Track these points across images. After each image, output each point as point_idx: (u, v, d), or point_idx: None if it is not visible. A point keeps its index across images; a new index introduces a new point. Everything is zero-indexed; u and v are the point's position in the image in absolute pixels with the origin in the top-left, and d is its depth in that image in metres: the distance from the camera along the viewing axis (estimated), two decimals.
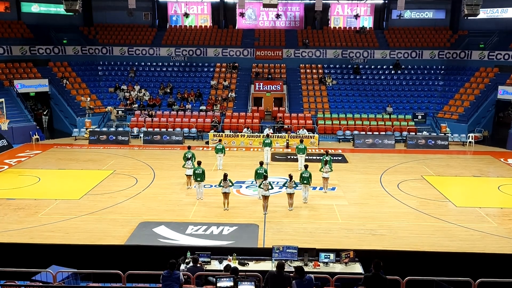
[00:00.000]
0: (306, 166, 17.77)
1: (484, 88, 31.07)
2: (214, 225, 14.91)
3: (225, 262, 10.72)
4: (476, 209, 16.79)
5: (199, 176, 17.26)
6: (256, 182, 18.01)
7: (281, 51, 35.49)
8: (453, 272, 10.57)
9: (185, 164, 18.78)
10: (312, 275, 8.92)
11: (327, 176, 18.47)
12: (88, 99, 31.21)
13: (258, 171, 17.69)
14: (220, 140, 23.86)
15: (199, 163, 17.82)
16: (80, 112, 30.53)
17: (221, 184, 16.31)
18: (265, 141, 23.24)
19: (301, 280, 8.58)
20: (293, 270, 10.33)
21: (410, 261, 11.80)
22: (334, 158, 24.43)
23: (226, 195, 16.39)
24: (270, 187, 16.09)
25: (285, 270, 9.06)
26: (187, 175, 18.71)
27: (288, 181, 16.38)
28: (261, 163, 18.27)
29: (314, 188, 18.73)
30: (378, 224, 15.32)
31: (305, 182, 17.00)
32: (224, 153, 21.74)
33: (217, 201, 17.13)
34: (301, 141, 22.67)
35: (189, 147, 20.70)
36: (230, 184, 16.41)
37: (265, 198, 16.12)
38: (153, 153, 25.35)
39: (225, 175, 16.35)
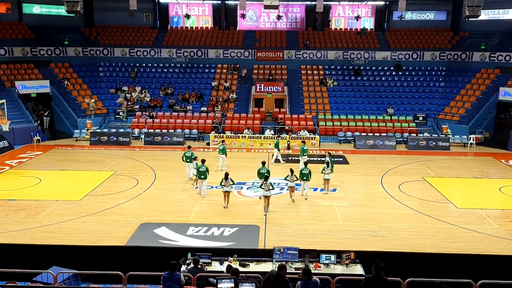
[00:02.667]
0: (305, 163, 18.28)
1: (485, 89, 31.05)
2: (215, 226, 14.91)
3: (225, 263, 10.71)
4: (477, 211, 16.77)
5: (203, 174, 17.70)
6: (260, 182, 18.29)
7: (282, 52, 35.51)
8: (454, 274, 10.54)
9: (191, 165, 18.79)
10: (317, 279, 8.89)
11: (329, 177, 18.47)
12: (93, 100, 31.23)
13: (260, 171, 17.87)
14: (223, 141, 23.90)
15: (203, 161, 18.11)
16: (81, 113, 30.55)
17: (222, 183, 16.61)
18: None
19: (307, 282, 8.55)
20: (294, 271, 10.38)
21: (411, 262, 11.78)
22: (335, 159, 24.40)
23: (227, 193, 16.69)
24: (271, 187, 16.28)
25: (287, 271, 9.03)
26: (194, 175, 18.80)
27: (290, 175, 16.96)
28: (263, 163, 18.33)
29: (315, 189, 18.76)
30: (379, 225, 15.30)
31: (304, 178, 17.56)
32: (226, 154, 21.77)
33: (218, 202, 17.17)
34: (304, 142, 22.73)
35: (189, 147, 20.85)
36: (232, 183, 16.74)
37: (266, 198, 16.28)
38: (154, 154, 25.36)
39: (226, 174, 16.73)
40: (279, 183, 19.29)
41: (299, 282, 8.60)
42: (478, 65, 33.18)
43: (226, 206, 16.72)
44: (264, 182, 16.31)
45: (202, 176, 17.69)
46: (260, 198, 17.26)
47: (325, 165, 18.59)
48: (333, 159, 19.89)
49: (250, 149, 26.95)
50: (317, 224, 15.37)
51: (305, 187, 17.79)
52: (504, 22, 34.25)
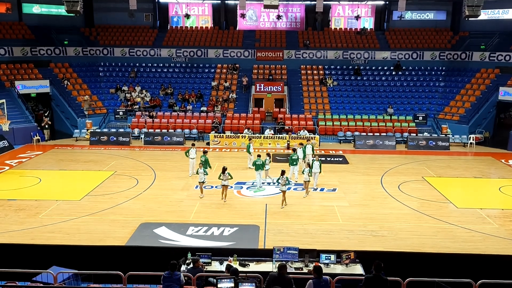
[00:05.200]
0: (294, 149, 20.48)
1: (485, 89, 31.05)
2: (215, 226, 14.91)
3: (225, 263, 10.72)
4: (477, 211, 16.77)
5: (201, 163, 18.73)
6: (256, 173, 19.08)
7: (282, 52, 35.51)
8: (454, 274, 10.55)
9: (197, 171, 18.24)
10: (328, 277, 8.91)
11: (309, 179, 18.04)
12: (87, 97, 31.22)
13: (257, 163, 18.85)
14: (250, 139, 23.84)
15: (205, 152, 19.53)
16: (81, 113, 30.56)
17: (221, 177, 17.16)
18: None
19: (319, 280, 8.55)
20: (294, 271, 10.39)
21: (411, 262, 11.79)
22: (335, 159, 24.52)
23: (225, 187, 17.32)
24: (287, 182, 16.96)
25: (287, 271, 9.04)
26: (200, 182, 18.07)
27: (281, 177, 16.91)
28: (259, 156, 19.36)
29: (315, 189, 18.77)
30: (379, 225, 15.31)
31: (294, 163, 19.86)
32: (250, 153, 21.86)
33: (218, 202, 17.21)
34: (301, 144, 22.50)
35: (193, 144, 21.11)
36: (229, 177, 17.26)
37: (283, 192, 16.88)
38: (154, 154, 25.36)
39: (224, 169, 17.23)
40: (278, 184, 19.29)
41: (310, 280, 8.57)
42: (478, 65, 33.19)
43: (225, 200, 17.27)
44: (281, 176, 16.76)
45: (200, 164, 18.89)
46: (277, 187, 17.86)
47: (305, 166, 18.24)
48: (320, 158, 20.09)
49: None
50: (317, 224, 15.38)
51: (294, 172, 19.88)
52: (504, 22, 34.25)
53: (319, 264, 9.70)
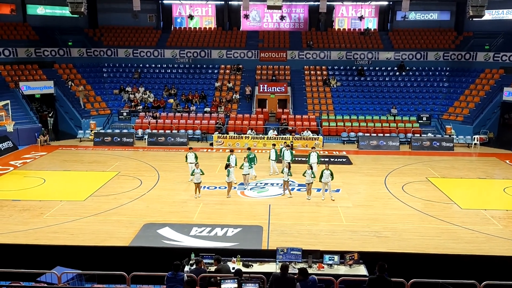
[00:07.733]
0: (274, 144, 22.16)
1: (489, 89, 30.94)
2: (218, 226, 14.92)
3: (229, 264, 10.71)
4: (481, 211, 16.71)
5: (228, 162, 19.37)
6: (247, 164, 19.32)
7: (285, 52, 35.50)
8: (458, 275, 10.50)
9: (193, 173, 18.05)
10: (315, 276, 8.94)
11: (311, 181, 17.64)
12: (82, 87, 31.27)
13: (250, 156, 19.61)
14: (288, 146, 22.04)
15: (231, 150, 20.30)
16: (85, 113, 30.67)
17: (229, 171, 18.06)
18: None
19: (305, 281, 8.59)
20: (297, 272, 10.38)
21: (415, 263, 11.75)
22: (338, 160, 24.48)
23: (229, 184, 17.97)
24: (289, 174, 18.19)
25: (289, 272, 9.05)
26: (195, 183, 17.86)
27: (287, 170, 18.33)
28: (249, 148, 20.99)
29: (319, 189, 18.72)
30: (383, 226, 15.27)
31: (273, 159, 21.23)
32: (291, 160, 20.42)
33: (222, 203, 17.24)
34: (290, 146, 22.02)
35: (190, 148, 21.00)
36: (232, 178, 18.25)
37: (286, 182, 18.26)
38: (158, 155, 25.41)
39: (227, 165, 18.09)
40: (280, 184, 19.28)
41: (298, 283, 8.61)
42: (482, 65, 33.06)
43: (229, 196, 17.89)
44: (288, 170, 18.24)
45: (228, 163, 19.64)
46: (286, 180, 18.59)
47: (307, 168, 17.76)
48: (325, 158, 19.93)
49: (253, 150, 26.82)
50: (320, 224, 15.37)
51: (273, 166, 21.37)
52: (508, 22, 34.11)
53: (304, 267, 9.73)
